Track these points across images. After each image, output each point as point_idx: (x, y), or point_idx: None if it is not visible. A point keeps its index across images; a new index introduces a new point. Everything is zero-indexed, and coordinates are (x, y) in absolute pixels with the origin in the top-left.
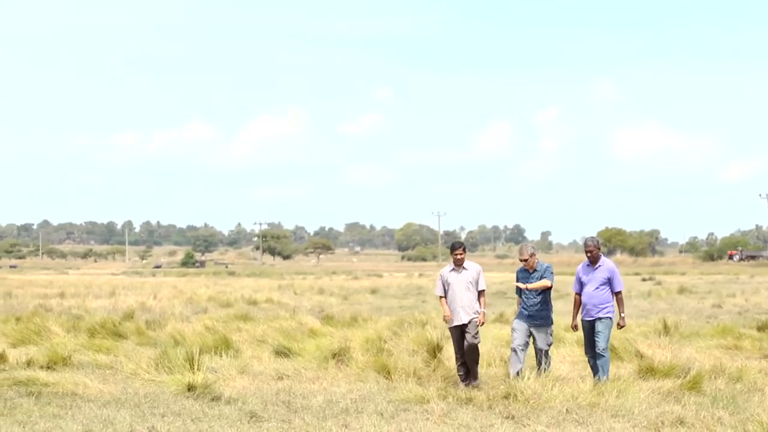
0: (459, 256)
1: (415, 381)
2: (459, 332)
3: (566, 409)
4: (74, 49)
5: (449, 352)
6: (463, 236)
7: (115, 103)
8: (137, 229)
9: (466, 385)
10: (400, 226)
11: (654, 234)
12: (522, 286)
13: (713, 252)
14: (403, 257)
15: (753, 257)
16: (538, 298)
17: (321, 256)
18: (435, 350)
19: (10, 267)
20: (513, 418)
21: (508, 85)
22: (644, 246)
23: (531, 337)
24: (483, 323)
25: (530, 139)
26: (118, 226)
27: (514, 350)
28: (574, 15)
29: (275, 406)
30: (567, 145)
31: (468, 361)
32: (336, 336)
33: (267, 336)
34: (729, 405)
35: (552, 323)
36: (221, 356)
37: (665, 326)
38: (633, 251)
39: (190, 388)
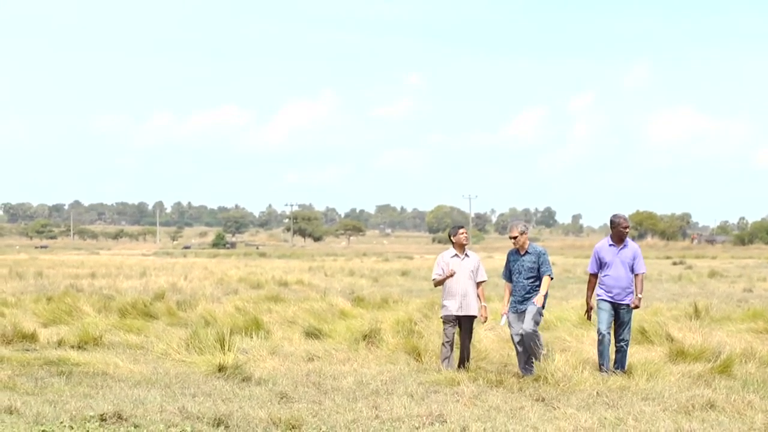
0: (466, 234)
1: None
2: (458, 321)
3: (596, 392)
4: (110, 28)
5: (479, 334)
6: (494, 219)
7: (150, 85)
8: (168, 210)
9: (447, 367)
10: (431, 209)
11: (685, 218)
12: (539, 303)
13: (744, 236)
14: (433, 239)
15: (708, 241)
16: (529, 283)
17: (352, 238)
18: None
19: (42, 247)
20: (543, 400)
21: (543, 71)
22: (675, 230)
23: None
24: (486, 319)
25: (564, 123)
26: (149, 207)
27: (516, 343)
28: (609, 0)
29: (306, 387)
30: (600, 130)
31: (462, 350)
32: (366, 318)
33: (297, 317)
34: (760, 389)
35: (543, 307)
36: (252, 337)
37: (696, 310)
38: (664, 235)
39: (221, 368)
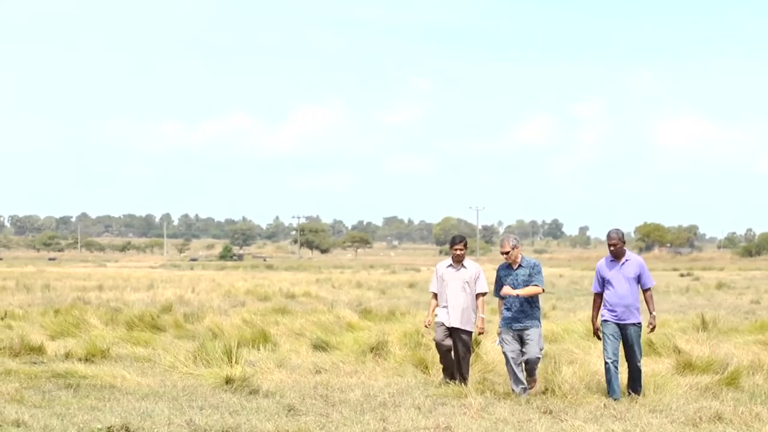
0: (459, 252)
1: None
2: (448, 333)
3: (604, 405)
4: (117, 37)
5: (486, 346)
6: (501, 231)
7: (157, 93)
8: (175, 222)
9: (447, 381)
10: (438, 221)
11: (692, 229)
12: (512, 292)
13: (752, 248)
14: (440, 251)
15: (677, 252)
16: (524, 299)
17: (359, 250)
18: (473, 345)
19: (49, 260)
20: (551, 413)
21: (549, 76)
22: (683, 241)
23: (521, 344)
24: (482, 331)
25: (570, 131)
26: (157, 219)
27: (510, 362)
28: (616, 6)
29: (313, 400)
30: (606, 138)
31: (459, 368)
32: (374, 330)
33: (305, 329)
34: (767, 401)
35: (541, 325)
36: (259, 349)
37: (703, 322)
38: (672, 246)
39: (228, 381)
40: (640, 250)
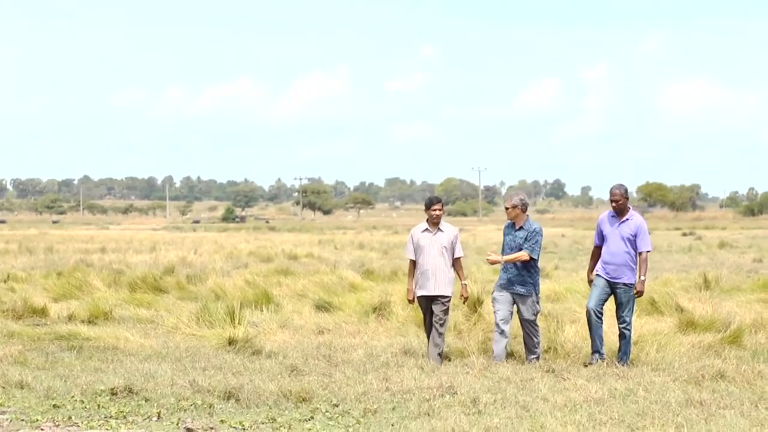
0: (438, 213)
1: (456, 335)
2: (428, 303)
3: (606, 363)
4: (123, 2)
5: (489, 306)
6: (503, 191)
7: (163, 59)
8: (178, 185)
9: (438, 362)
10: (441, 181)
11: (695, 189)
12: (496, 259)
13: (754, 207)
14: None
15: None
16: (521, 263)
17: (361, 211)
18: (475, 304)
19: (53, 222)
20: (553, 371)
21: (557, 41)
22: (685, 201)
23: (515, 307)
24: (467, 298)
25: (576, 95)
26: (159, 182)
27: (497, 324)
28: None
29: (316, 360)
30: (613, 101)
31: (437, 331)
32: (376, 290)
33: (307, 290)
34: None
35: (537, 292)
36: (262, 310)
37: (706, 280)
38: (674, 206)
39: (231, 342)
40: (642, 210)
